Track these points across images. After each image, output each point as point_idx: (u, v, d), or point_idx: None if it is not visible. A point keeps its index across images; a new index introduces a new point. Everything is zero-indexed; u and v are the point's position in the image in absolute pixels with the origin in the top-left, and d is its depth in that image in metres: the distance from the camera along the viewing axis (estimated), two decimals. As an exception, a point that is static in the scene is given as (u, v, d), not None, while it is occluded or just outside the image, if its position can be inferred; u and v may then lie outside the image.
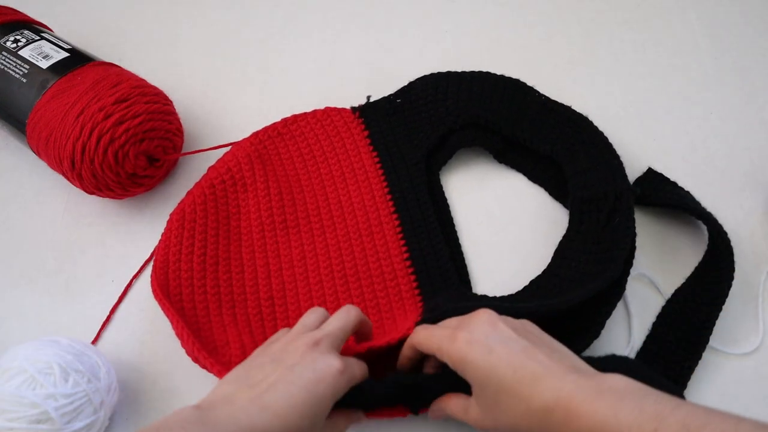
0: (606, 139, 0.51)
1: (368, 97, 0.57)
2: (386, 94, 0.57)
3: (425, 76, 0.56)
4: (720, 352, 0.45)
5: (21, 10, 0.58)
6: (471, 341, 0.36)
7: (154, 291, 0.46)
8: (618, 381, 0.32)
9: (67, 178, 0.51)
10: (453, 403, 0.40)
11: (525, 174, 0.54)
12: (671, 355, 0.45)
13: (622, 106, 0.58)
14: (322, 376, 0.35)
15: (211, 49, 0.64)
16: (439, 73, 0.56)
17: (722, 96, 0.58)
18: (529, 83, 0.55)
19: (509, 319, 0.38)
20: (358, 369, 0.38)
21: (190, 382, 0.46)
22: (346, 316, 0.40)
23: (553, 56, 0.61)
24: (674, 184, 0.51)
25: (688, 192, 0.51)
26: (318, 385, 0.35)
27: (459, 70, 0.56)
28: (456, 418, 0.39)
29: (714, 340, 0.45)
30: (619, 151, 0.51)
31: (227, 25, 0.66)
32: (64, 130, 0.48)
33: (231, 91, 0.61)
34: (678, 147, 0.55)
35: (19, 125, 0.51)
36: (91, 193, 0.51)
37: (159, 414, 0.45)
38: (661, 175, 0.52)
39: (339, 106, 0.56)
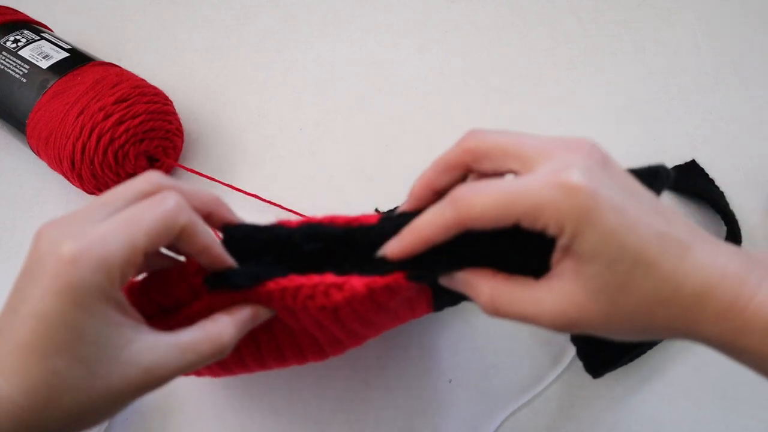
0: None
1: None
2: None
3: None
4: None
5: (21, 10, 0.58)
6: (597, 193, 0.23)
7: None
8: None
9: (67, 178, 0.51)
10: (508, 288, 0.26)
11: None
12: None
13: (622, 105, 0.58)
14: (37, 275, 0.22)
15: (211, 49, 0.64)
16: None
17: (722, 96, 0.58)
18: (530, 83, 0.55)
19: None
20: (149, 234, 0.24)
21: (189, 382, 0.46)
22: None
23: (553, 56, 0.61)
24: (712, 181, 0.52)
25: (722, 192, 0.51)
26: (40, 295, 0.22)
27: None
28: (509, 311, 0.26)
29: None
30: (618, 151, 0.51)
31: (227, 25, 0.66)
32: (64, 130, 0.48)
33: (231, 91, 0.61)
34: (678, 147, 0.55)
35: (19, 125, 0.51)
36: (91, 193, 0.51)
37: (159, 414, 0.45)
38: (702, 170, 0.53)
39: (338, 106, 0.56)
